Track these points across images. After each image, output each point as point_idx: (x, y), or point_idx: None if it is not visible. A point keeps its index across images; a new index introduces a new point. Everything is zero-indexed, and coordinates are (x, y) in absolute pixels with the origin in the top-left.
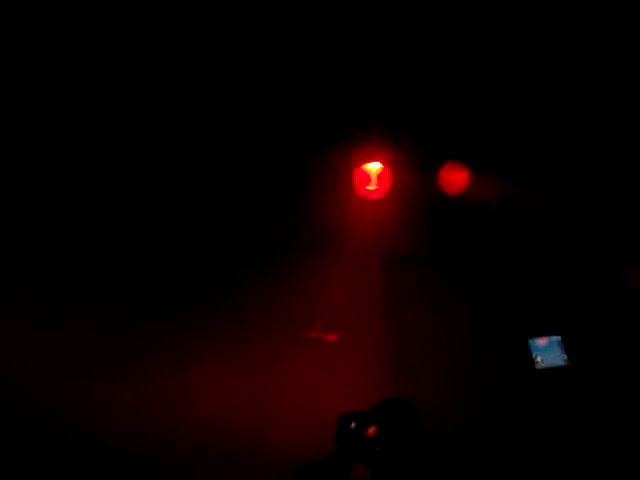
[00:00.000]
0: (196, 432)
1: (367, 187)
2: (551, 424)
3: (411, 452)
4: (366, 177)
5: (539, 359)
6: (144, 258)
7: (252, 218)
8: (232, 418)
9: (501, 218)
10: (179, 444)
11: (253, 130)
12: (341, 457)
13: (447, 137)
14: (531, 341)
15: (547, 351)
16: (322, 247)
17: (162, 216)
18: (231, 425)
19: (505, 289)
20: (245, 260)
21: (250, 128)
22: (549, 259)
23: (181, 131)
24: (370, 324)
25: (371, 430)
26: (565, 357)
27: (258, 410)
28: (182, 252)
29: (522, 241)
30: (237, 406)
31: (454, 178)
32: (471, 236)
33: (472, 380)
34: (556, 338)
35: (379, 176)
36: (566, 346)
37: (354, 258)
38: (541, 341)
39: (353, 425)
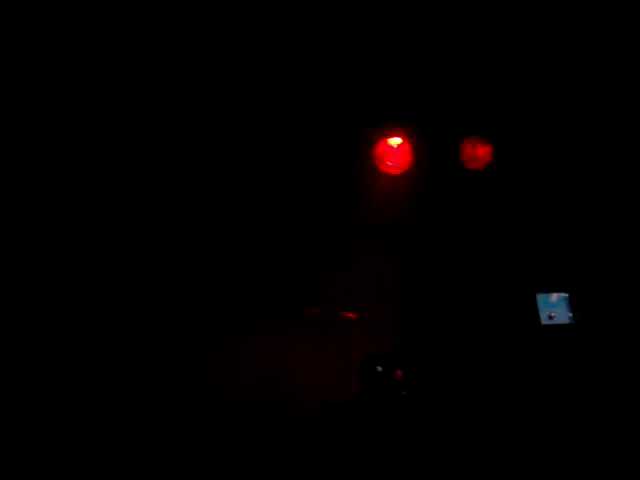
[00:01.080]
0: None
1: (388, 162)
2: (552, 380)
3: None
4: (387, 152)
5: (546, 315)
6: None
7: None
8: None
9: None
10: None
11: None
12: (366, 399)
13: (468, 111)
14: (539, 296)
15: (554, 307)
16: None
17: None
18: None
19: (514, 244)
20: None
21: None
22: (559, 215)
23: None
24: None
25: (398, 373)
26: (571, 315)
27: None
28: None
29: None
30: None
31: (476, 152)
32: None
33: (477, 333)
34: (564, 295)
35: (399, 151)
36: (573, 304)
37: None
38: (549, 297)
39: (379, 369)
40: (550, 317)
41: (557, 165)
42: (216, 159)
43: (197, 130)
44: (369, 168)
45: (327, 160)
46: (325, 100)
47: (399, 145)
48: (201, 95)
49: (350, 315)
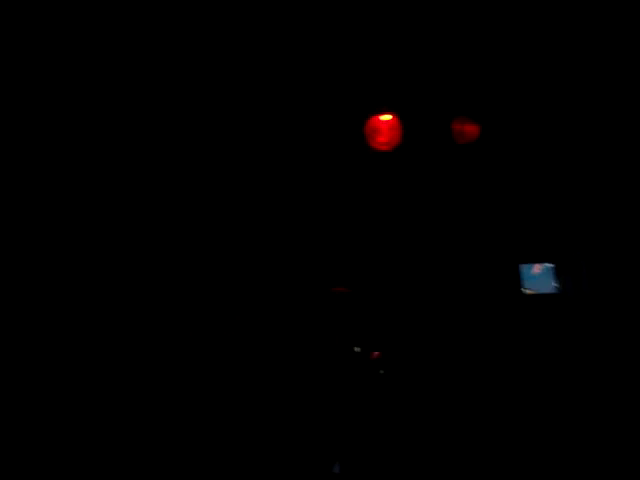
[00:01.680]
0: None
1: (378, 139)
2: (535, 349)
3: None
4: (377, 129)
5: (527, 285)
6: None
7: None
8: None
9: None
10: None
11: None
12: (344, 378)
13: (458, 88)
14: (522, 267)
15: (538, 278)
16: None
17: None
18: None
19: (498, 214)
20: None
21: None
22: (547, 184)
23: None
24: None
25: (375, 354)
26: (556, 285)
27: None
28: None
29: (519, 166)
30: None
31: (465, 129)
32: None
33: (461, 302)
34: (549, 265)
35: (390, 128)
36: (558, 274)
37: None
38: (533, 268)
39: (357, 349)
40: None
41: (544, 141)
42: (206, 140)
43: (191, 123)
44: (360, 145)
45: (319, 140)
46: (315, 79)
47: (388, 122)
48: (194, 87)
49: (342, 289)
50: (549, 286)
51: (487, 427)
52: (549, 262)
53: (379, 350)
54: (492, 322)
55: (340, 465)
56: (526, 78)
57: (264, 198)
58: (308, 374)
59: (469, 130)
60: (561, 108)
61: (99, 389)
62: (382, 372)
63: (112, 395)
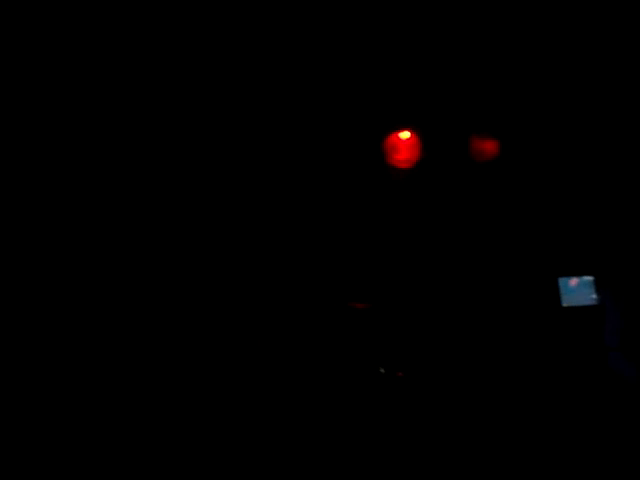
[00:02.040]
0: None
1: (397, 156)
2: (574, 359)
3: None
4: (396, 147)
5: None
6: None
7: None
8: None
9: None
10: None
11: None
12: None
13: (476, 105)
14: (561, 280)
15: (576, 290)
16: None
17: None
18: None
19: (536, 226)
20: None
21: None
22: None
23: None
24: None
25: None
26: (595, 297)
27: None
28: None
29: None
30: None
31: (484, 146)
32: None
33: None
34: (588, 278)
35: (409, 145)
36: (598, 286)
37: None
38: (571, 280)
39: (382, 370)
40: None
41: (571, 154)
42: (220, 151)
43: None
44: (378, 162)
45: (337, 156)
46: (334, 95)
47: (408, 139)
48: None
49: (359, 305)
50: (588, 298)
51: (526, 447)
52: (588, 274)
53: (402, 370)
54: (530, 336)
55: None
56: (545, 93)
57: (284, 215)
58: (328, 395)
59: (488, 147)
60: (589, 119)
61: (99, 389)
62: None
63: (112, 395)
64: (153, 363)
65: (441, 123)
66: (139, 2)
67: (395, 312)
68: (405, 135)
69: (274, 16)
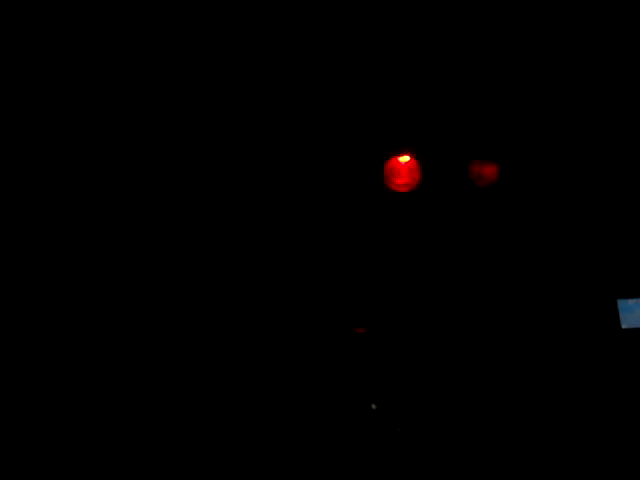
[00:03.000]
0: None
1: (396, 181)
2: (633, 384)
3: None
4: (395, 170)
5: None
6: None
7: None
8: None
9: None
10: None
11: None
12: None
13: (476, 129)
14: (620, 302)
15: (635, 311)
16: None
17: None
18: None
19: (594, 246)
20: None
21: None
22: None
23: None
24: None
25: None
26: None
27: None
28: None
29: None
30: None
31: (484, 170)
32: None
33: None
34: None
35: (408, 169)
36: None
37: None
38: (630, 301)
39: (374, 406)
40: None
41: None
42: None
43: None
44: (378, 186)
45: (336, 180)
46: (332, 119)
47: (407, 163)
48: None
49: (359, 330)
50: None
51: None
52: None
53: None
54: (588, 359)
55: None
56: (545, 117)
57: (282, 236)
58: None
59: (488, 172)
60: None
61: (98, 389)
62: (400, 429)
63: (111, 395)
64: (152, 366)
65: (441, 147)
66: (139, 2)
67: (397, 338)
68: (405, 159)
69: (269, 33)
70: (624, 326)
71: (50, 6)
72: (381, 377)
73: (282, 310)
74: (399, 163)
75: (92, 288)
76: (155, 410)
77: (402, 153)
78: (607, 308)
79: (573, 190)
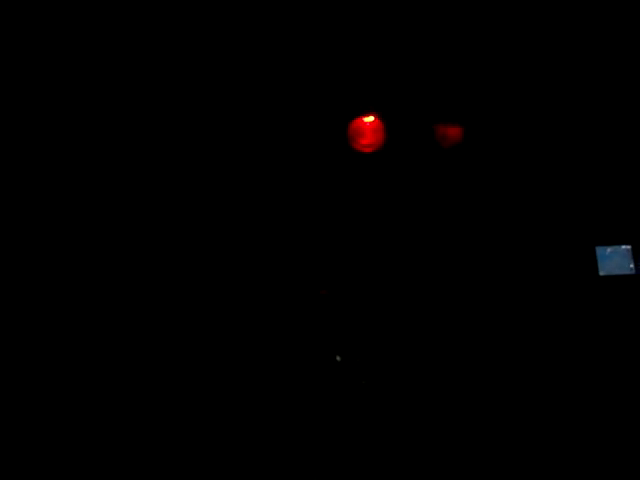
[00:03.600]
0: None
1: (361, 141)
2: (610, 329)
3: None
4: (360, 131)
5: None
6: None
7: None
8: None
9: None
10: None
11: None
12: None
13: (441, 90)
14: (598, 248)
15: (613, 259)
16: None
17: None
18: None
19: (573, 194)
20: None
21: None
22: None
23: None
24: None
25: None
26: (632, 266)
27: None
28: None
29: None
30: None
31: (449, 132)
32: None
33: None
34: (625, 247)
35: (373, 130)
36: (635, 255)
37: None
38: (608, 249)
39: (338, 358)
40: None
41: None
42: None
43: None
44: (342, 147)
45: (301, 142)
46: (298, 80)
47: (372, 124)
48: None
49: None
50: (626, 268)
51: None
52: (626, 243)
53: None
54: (566, 306)
55: None
56: (510, 78)
57: (247, 200)
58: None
59: (452, 133)
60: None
61: (98, 389)
62: (364, 382)
63: (111, 395)
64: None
65: (406, 108)
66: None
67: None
68: (369, 119)
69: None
70: (602, 273)
71: (50, 6)
72: (346, 333)
73: (250, 272)
74: (364, 123)
75: (92, 288)
76: (147, 397)
77: (366, 113)
78: (585, 256)
79: (544, 144)
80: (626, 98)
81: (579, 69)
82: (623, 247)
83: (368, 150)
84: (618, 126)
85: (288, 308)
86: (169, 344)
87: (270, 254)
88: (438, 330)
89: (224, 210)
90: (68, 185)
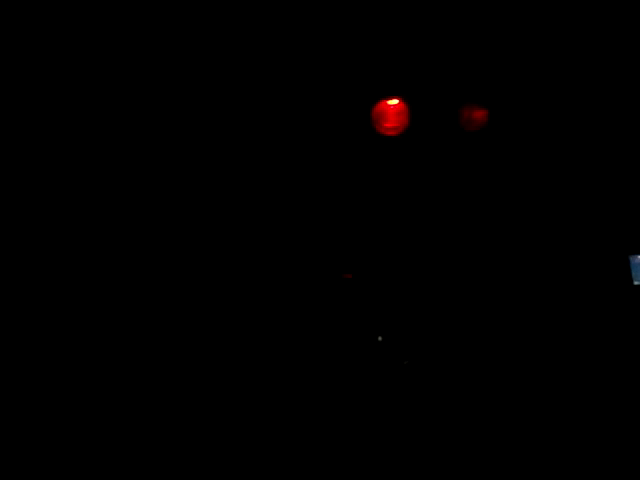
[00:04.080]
0: None
1: (385, 124)
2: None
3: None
4: (383, 114)
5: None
6: None
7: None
8: None
9: None
10: None
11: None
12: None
13: (466, 74)
14: (632, 258)
15: None
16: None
17: None
18: None
19: (605, 202)
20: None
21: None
22: None
23: None
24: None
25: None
26: None
27: None
28: None
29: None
30: None
31: (474, 115)
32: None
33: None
34: None
35: (397, 113)
36: None
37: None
38: None
39: (380, 338)
40: None
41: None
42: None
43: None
44: (367, 130)
45: (325, 126)
46: (321, 61)
47: (395, 106)
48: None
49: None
50: None
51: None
52: None
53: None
54: (600, 315)
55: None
56: (534, 62)
57: (270, 185)
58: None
59: (477, 116)
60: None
61: (98, 389)
62: (406, 362)
63: (111, 395)
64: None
65: (430, 91)
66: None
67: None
68: (393, 102)
69: None
70: (636, 282)
71: (50, 6)
72: (382, 315)
73: (276, 258)
74: (388, 106)
75: (92, 288)
76: (145, 393)
77: (391, 96)
78: (619, 265)
79: (574, 139)
80: None
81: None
82: None
83: (392, 133)
84: None
85: (314, 293)
86: (196, 322)
87: (294, 239)
88: (460, 322)
89: (250, 194)
90: (68, 185)
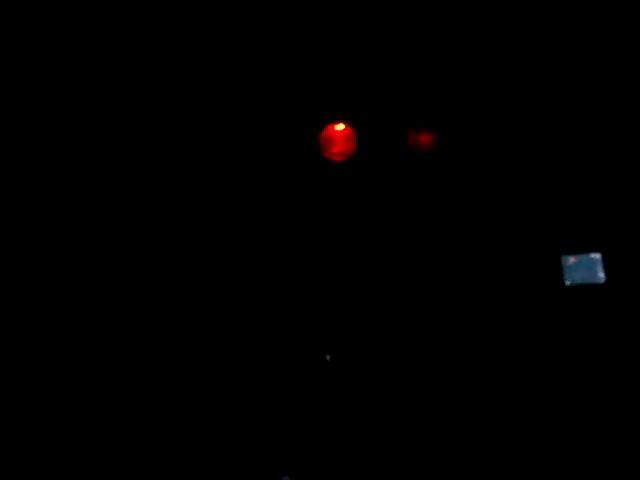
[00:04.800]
0: None
1: (332, 150)
2: (577, 340)
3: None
4: (331, 139)
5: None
6: None
7: None
8: None
9: None
10: None
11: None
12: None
13: (414, 97)
14: (564, 257)
15: (581, 268)
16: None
17: None
18: None
19: (537, 202)
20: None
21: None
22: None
23: None
24: None
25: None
26: (602, 275)
27: None
28: None
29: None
30: None
31: (421, 138)
32: None
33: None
34: (594, 255)
35: (344, 138)
36: (605, 264)
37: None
38: (574, 258)
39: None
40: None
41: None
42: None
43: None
44: (313, 156)
45: (270, 151)
46: (268, 88)
47: (342, 132)
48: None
49: None
50: (595, 277)
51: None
52: (594, 251)
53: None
54: (531, 317)
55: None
56: (481, 83)
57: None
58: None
59: (425, 140)
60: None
61: (98, 389)
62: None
63: (110, 395)
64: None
65: (377, 115)
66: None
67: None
68: (340, 127)
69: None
70: (567, 283)
71: (51, 6)
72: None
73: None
74: (334, 132)
75: (92, 288)
76: (145, 400)
77: (337, 122)
78: (550, 265)
79: (511, 153)
80: (587, 102)
81: (550, 75)
82: (592, 255)
83: (339, 159)
84: (581, 132)
85: (275, 308)
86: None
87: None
88: (419, 333)
89: (200, 217)
90: (68, 185)
